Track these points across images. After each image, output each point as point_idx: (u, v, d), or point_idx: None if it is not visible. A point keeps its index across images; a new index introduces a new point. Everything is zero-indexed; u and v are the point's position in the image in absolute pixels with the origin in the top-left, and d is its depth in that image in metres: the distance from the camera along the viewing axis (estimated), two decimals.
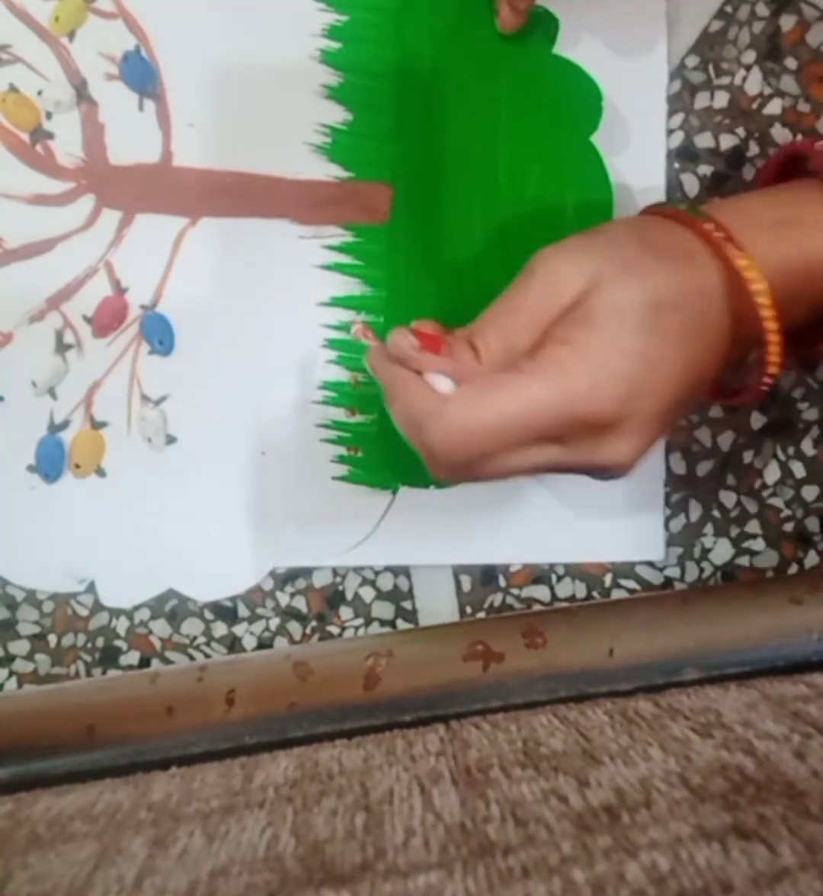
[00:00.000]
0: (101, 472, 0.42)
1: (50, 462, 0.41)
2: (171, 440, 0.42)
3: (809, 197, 0.34)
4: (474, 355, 0.32)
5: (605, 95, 0.40)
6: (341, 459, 0.42)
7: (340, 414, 0.42)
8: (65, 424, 0.41)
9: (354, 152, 0.41)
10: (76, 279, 0.41)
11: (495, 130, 0.40)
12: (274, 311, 0.41)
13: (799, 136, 0.42)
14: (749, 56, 0.41)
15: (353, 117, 0.40)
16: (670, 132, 0.42)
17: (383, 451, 0.42)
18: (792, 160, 0.37)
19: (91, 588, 0.42)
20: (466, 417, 0.30)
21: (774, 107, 0.41)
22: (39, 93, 0.40)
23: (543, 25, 0.40)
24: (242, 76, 0.40)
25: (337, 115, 0.40)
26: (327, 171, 0.41)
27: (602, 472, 0.33)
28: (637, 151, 0.41)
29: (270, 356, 0.41)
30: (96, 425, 0.41)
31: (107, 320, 0.41)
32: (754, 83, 0.41)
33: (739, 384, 0.35)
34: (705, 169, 0.42)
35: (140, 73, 0.40)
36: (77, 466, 0.41)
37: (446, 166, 0.41)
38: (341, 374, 0.41)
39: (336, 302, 0.41)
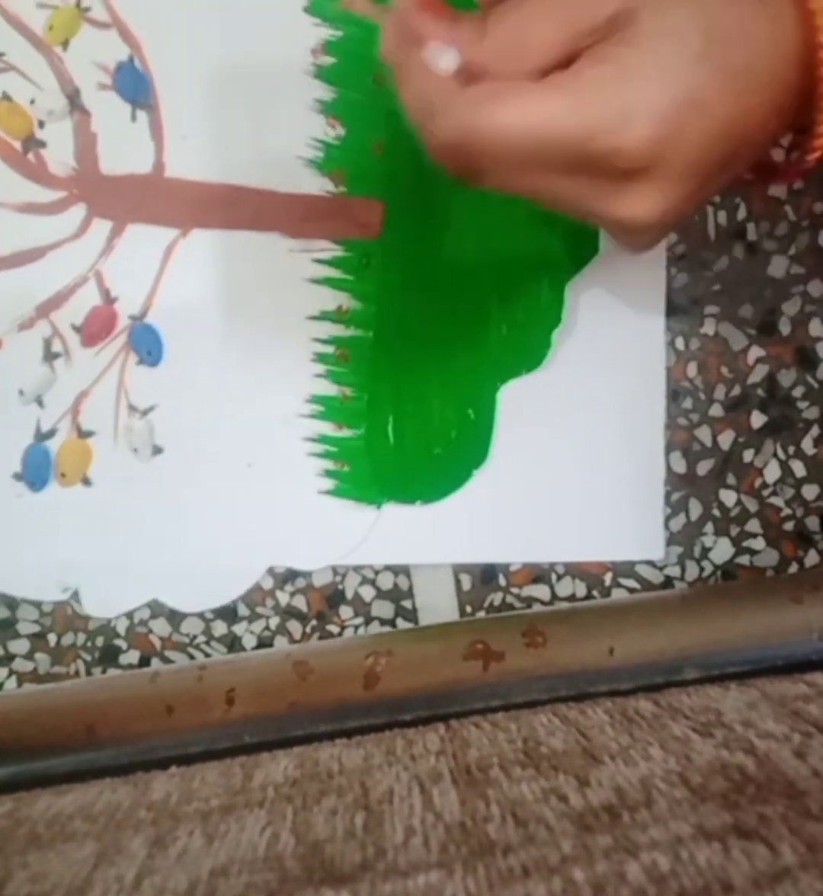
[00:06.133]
0: (86, 481, 0.42)
1: (36, 470, 0.41)
2: (157, 451, 0.41)
3: None
4: (479, 31, 0.28)
5: None
6: (328, 473, 0.42)
7: (327, 428, 0.42)
8: (51, 433, 0.41)
9: (346, 167, 0.40)
10: (66, 288, 0.41)
11: None
12: (263, 323, 0.41)
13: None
14: None
15: (345, 132, 0.40)
16: None
17: (370, 466, 0.42)
18: None
19: (75, 596, 0.42)
20: (473, 121, 0.27)
21: None
22: (32, 101, 0.40)
23: None
24: (236, 89, 0.40)
25: (330, 129, 0.40)
26: (319, 186, 0.41)
27: (621, 229, 0.29)
28: None
29: (258, 368, 0.41)
30: (83, 434, 0.41)
31: (95, 330, 0.41)
32: None
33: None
34: None
35: (133, 84, 0.40)
36: (63, 475, 0.41)
37: (437, 182, 0.41)
38: (328, 388, 0.41)
39: (325, 316, 0.41)
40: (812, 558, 0.43)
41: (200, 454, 0.41)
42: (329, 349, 0.41)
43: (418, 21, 0.28)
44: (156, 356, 0.41)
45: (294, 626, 0.43)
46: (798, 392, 0.42)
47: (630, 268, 0.42)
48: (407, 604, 0.43)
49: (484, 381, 0.41)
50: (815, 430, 0.42)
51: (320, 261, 0.41)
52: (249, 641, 0.43)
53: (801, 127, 0.29)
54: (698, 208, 0.31)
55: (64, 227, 0.41)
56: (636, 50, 0.26)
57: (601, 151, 0.26)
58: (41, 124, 0.40)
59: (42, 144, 0.40)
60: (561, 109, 0.26)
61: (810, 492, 0.43)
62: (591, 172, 0.27)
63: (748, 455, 0.42)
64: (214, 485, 0.42)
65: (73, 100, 0.40)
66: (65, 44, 0.40)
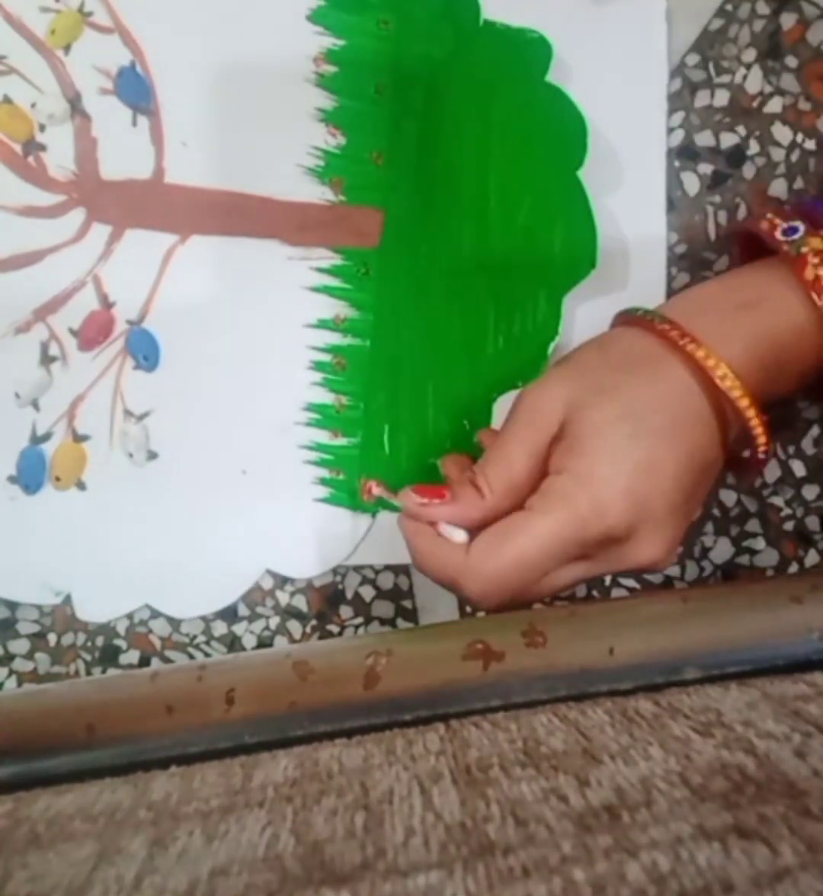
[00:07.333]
0: (81, 486, 0.42)
1: (30, 473, 0.41)
2: (152, 456, 0.42)
3: (769, 279, 0.35)
4: (477, 494, 0.35)
5: (592, 129, 0.40)
6: (323, 481, 0.42)
7: (322, 436, 0.42)
8: (47, 436, 0.41)
9: (346, 176, 0.41)
10: (64, 292, 0.41)
11: (487, 159, 0.40)
12: (260, 330, 0.41)
13: (800, 135, 0.42)
14: (750, 54, 0.41)
15: (346, 141, 0.40)
16: (670, 131, 0.42)
17: (365, 475, 0.42)
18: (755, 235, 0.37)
19: (67, 600, 0.42)
20: (489, 567, 0.33)
21: (774, 105, 0.41)
22: (33, 105, 0.40)
23: (536, 53, 0.40)
24: (237, 96, 0.40)
25: (330, 138, 0.40)
26: (319, 194, 0.41)
27: (642, 571, 0.35)
28: (638, 149, 0.41)
29: (254, 376, 0.41)
30: (78, 438, 0.41)
31: (93, 334, 0.41)
32: (754, 81, 0.41)
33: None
34: (705, 168, 0.42)
35: (134, 89, 0.40)
36: (57, 479, 0.41)
37: (437, 192, 0.41)
38: (325, 397, 0.41)
39: (323, 324, 0.41)
40: (812, 558, 0.43)
41: (195, 460, 0.41)
42: (326, 357, 0.41)
43: (429, 513, 0.35)
44: (153, 361, 0.41)
45: (294, 626, 0.43)
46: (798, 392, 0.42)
47: (630, 270, 0.42)
48: (407, 604, 0.43)
49: (480, 392, 0.42)
50: (815, 430, 0.42)
51: (318, 269, 0.41)
52: (249, 641, 0.43)
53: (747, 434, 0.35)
54: (692, 520, 0.38)
55: (63, 231, 0.41)
56: (578, 454, 0.33)
57: (595, 536, 0.33)
58: (42, 128, 0.40)
59: (42, 148, 0.40)
60: (548, 526, 0.32)
61: (810, 492, 0.43)
62: (598, 550, 0.34)
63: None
64: (208, 491, 0.42)
65: (74, 104, 0.40)
66: (67, 48, 0.40)
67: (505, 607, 0.35)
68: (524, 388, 0.36)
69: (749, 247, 0.38)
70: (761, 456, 0.35)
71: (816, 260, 0.34)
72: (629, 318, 0.37)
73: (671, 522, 0.34)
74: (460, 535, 0.35)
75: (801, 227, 0.35)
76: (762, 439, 0.34)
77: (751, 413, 0.34)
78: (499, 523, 0.34)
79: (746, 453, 0.37)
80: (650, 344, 0.35)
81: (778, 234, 0.36)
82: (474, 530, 0.35)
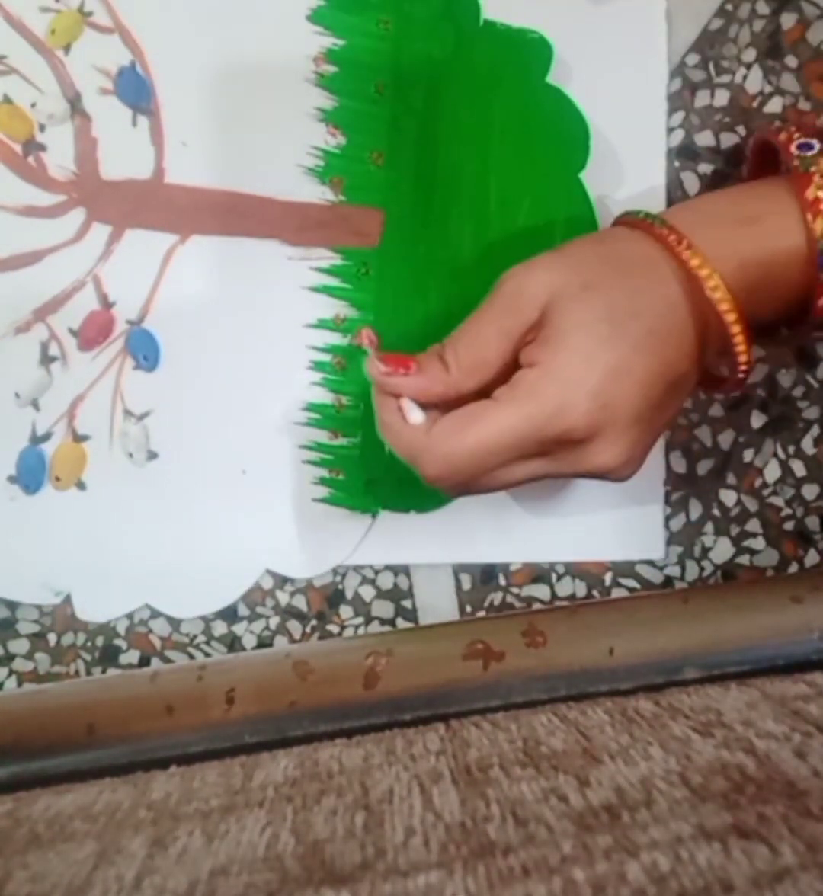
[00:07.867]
0: (81, 486, 0.42)
1: (30, 473, 0.41)
2: (152, 456, 0.41)
3: (774, 194, 0.34)
4: (443, 368, 0.34)
5: (592, 129, 0.40)
6: (322, 481, 0.42)
7: (322, 436, 0.42)
8: (47, 436, 0.41)
9: (346, 176, 0.41)
10: (63, 292, 0.41)
11: (487, 159, 0.40)
12: (260, 330, 0.41)
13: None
14: (750, 54, 0.41)
15: (346, 141, 0.40)
16: (670, 130, 0.42)
17: (364, 475, 0.42)
18: (770, 150, 0.37)
19: (67, 600, 0.42)
20: (447, 449, 0.32)
21: (774, 105, 0.41)
22: (33, 105, 0.40)
23: (536, 53, 0.40)
24: (237, 96, 0.40)
25: (330, 138, 0.40)
26: (319, 194, 0.41)
27: (598, 477, 0.34)
28: (638, 149, 0.41)
29: (254, 375, 0.41)
30: (78, 438, 0.41)
31: (92, 334, 0.41)
32: (754, 81, 0.41)
33: (725, 372, 0.36)
34: (705, 167, 0.42)
35: (134, 89, 0.40)
36: (57, 479, 0.41)
37: (437, 193, 0.41)
38: (324, 396, 0.41)
39: (323, 324, 0.41)
40: (812, 558, 0.43)
41: (195, 460, 0.41)
42: (326, 357, 0.41)
43: (391, 383, 0.34)
44: (152, 361, 0.41)
45: (294, 626, 0.43)
46: (798, 392, 0.42)
47: None
48: (407, 604, 0.43)
49: None
50: (815, 430, 0.42)
51: (318, 269, 0.41)
52: (249, 641, 0.43)
53: (728, 351, 0.34)
54: (659, 435, 0.36)
55: (63, 231, 0.41)
56: (554, 348, 0.32)
57: (555, 435, 0.32)
58: (42, 128, 0.40)
59: (42, 148, 0.40)
60: (511, 418, 0.32)
61: (810, 491, 0.43)
62: (557, 448, 0.33)
63: (748, 455, 0.42)
64: (208, 491, 0.42)
65: (75, 104, 0.40)
66: (67, 48, 0.40)
67: (459, 492, 0.34)
68: (511, 269, 0.34)
69: (764, 164, 0.37)
70: (741, 374, 0.34)
71: (822, 181, 0.33)
72: (631, 220, 0.36)
73: (633, 431, 0.33)
74: (416, 416, 0.34)
75: (817, 145, 0.34)
76: (743, 356, 0.33)
77: (737, 329, 0.33)
78: (463, 409, 0.33)
79: (724, 372, 0.36)
80: (648, 247, 0.34)
81: (793, 148, 0.35)
82: (437, 406, 0.34)
